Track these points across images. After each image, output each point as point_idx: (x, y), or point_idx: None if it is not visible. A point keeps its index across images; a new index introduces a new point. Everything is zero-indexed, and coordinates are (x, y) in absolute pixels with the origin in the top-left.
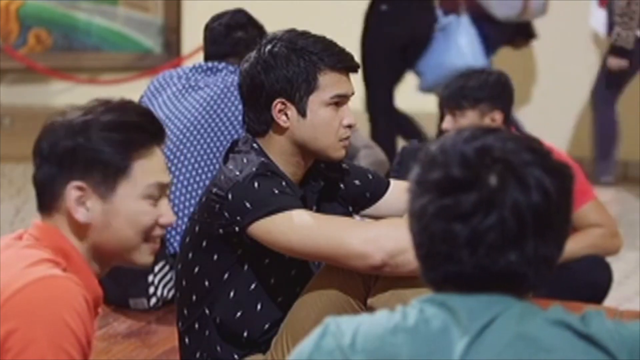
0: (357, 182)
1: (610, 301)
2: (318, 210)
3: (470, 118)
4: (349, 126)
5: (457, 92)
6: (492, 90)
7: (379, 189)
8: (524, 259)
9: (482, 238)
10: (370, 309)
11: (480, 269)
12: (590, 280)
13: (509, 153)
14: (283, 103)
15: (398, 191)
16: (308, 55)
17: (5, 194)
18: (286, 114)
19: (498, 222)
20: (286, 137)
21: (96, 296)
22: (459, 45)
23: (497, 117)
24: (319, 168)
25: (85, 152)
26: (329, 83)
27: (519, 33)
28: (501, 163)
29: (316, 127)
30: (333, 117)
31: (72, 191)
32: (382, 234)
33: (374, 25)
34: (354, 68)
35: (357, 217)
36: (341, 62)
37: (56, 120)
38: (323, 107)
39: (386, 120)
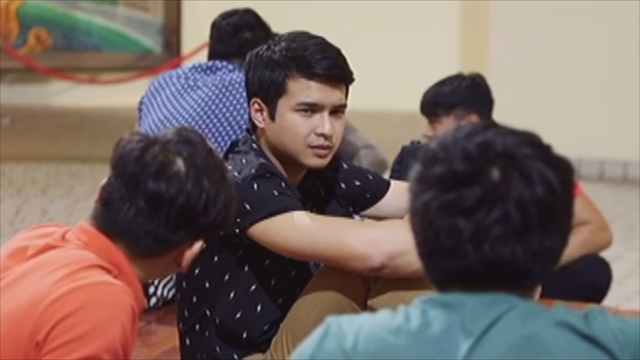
0: (357, 182)
1: (610, 301)
2: (318, 211)
3: (446, 124)
4: (323, 135)
5: (431, 100)
6: (464, 95)
7: (380, 190)
8: (529, 253)
9: (487, 233)
10: (369, 310)
11: (485, 264)
12: (590, 280)
13: (510, 147)
14: (259, 104)
15: (398, 192)
16: (285, 59)
17: (5, 194)
18: (262, 115)
19: (502, 216)
20: (265, 138)
21: (141, 306)
22: None
23: (474, 120)
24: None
25: None
26: (298, 89)
27: None
28: (503, 157)
29: (283, 132)
30: (300, 123)
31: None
32: (381, 235)
33: None
34: (335, 77)
35: (357, 218)
36: (316, 69)
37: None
38: (290, 112)
39: None
